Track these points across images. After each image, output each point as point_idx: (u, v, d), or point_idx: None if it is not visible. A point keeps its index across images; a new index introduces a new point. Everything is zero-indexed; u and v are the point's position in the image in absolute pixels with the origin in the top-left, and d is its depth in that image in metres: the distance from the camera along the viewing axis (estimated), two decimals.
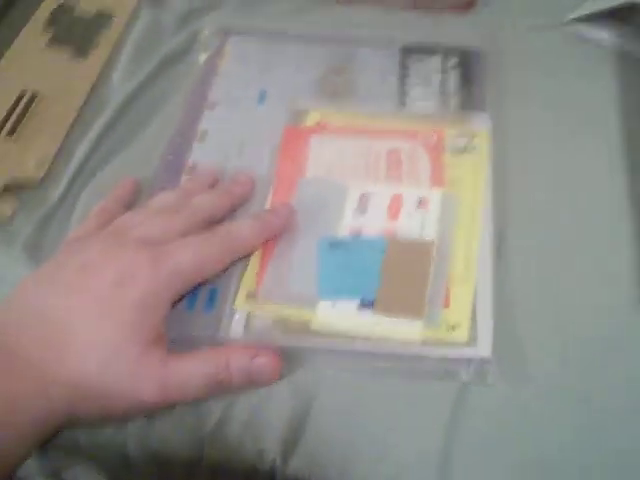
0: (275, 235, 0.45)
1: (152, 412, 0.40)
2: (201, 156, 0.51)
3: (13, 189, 0.50)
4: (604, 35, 0.60)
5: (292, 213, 0.46)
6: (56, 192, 0.50)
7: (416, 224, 0.46)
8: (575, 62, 0.58)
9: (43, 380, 0.36)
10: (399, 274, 0.43)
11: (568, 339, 0.42)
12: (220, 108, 0.54)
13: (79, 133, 0.53)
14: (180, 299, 0.41)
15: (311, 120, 0.53)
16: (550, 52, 0.59)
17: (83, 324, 0.37)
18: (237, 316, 0.43)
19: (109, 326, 0.37)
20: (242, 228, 0.44)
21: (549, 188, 0.50)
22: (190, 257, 0.40)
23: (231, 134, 0.52)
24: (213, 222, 0.45)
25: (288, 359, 0.41)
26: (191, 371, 0.39)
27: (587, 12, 0.60)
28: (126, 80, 0.57)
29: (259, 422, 0.40)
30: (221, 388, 0.39)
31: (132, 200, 0.48)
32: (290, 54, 0.58)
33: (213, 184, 0.49)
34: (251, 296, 0.43)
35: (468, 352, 0.41)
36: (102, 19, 0.60)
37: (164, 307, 0.39)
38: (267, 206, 0.48)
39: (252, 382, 0.40)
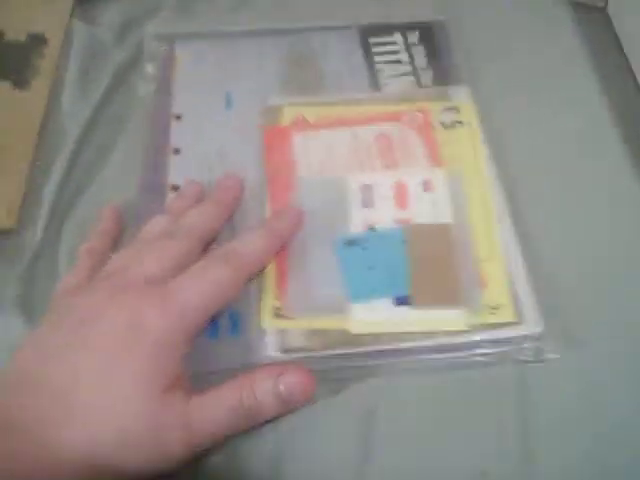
0: (286, 242, 0.42)
1: (179, 467, 0.34)
2: (180, 172, 0.48)
3: None
4: None
5: (300, 215, 0.43)
6: (34, 237, 0.45)
7: (428, 208, 0.44)
8: (533, 17, 0.58)
9: (48, 460, 0.31)
10: (427, 263, 0.41)
11: (608, 296, 0.42)
12: (187, 119, 0.50)
13: (42, 169, 0.49)
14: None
15: (287, 117, 0.50)
16: (506, 12, 0.58)
17: (90, 386, 0.33)
18: (268, 337, 0.39)
19: (121, 384, 0.33)
20: (250, 242, 0.40)
21: (544, 142, 0.49)
22: (199, 289, 0.36)
23: (206, 144, 0.49)
24: (212, 238, 0.42)
25: (333, 375, 0.39)
26: (215, 405, 0.35)
27: None
28: (78, 104, 0.52)
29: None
30: (252, 419, 0.36)
31: (118, 231, 0.44)
32: (246, 52, 0.55)
33: (201, 198, 0.45)
34: (277, 312, 0.40)
35: (518, 330, 0.39)
36: (35, 42, 0.55)
37: (181, 349, 0.35)
38: (267, 212, 0.44)
39: (284, 404, 0.36)
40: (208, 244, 0.42)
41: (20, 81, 0.53)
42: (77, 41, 0.57)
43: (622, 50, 0.54)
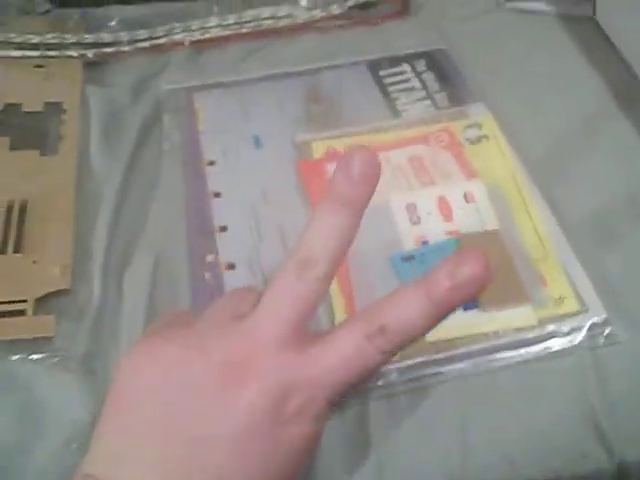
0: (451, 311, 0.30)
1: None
2: (224, 213, 0.49)
3: (47, 307, 0.44)
4: (542, 5, 0.62)
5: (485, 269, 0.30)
6: (92, 295, 0.45)
7: (474, 219, 0.46)
8: (526, 35, 0.62)
9: None
10: None
11: None
12: (220, 163, 0.52)
13: (86, 229, 0.49)
14: None
15: (317, 151, 0.52)
16: (501, 31, 0.62)
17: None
18: None
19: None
20: (406, 314, 0.29)
21: (561, 142, 0.52)
22: (340, 381, 0.30)
23: (245, 184, 0.50)
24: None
25: (415, 384, 0.40)
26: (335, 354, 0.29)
27: None
28: (107, 165, 0.53)
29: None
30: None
31: None
32: (265, 95, 0.57)
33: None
34: None
35: (586, 318, 0.41)
36: (53, 110, 0.56)
37: None
38: None
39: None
40: None
41: (47, 148, 0.53)
42: (94, 105, 0.57)
43: (616, 50, 0.58)
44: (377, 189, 0.44)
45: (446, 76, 0.57)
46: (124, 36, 0.64)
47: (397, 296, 0.30)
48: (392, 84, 0.57)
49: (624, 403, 0.38)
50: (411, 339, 0.30)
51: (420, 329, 0.29)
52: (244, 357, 0.29)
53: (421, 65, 0.58)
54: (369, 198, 0.31)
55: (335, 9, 0.66)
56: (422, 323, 0.29)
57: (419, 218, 0.46)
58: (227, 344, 0.30)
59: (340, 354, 0.29)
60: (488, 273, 0.29)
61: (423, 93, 0.55)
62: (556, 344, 0.40)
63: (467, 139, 0.51)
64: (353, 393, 0.37)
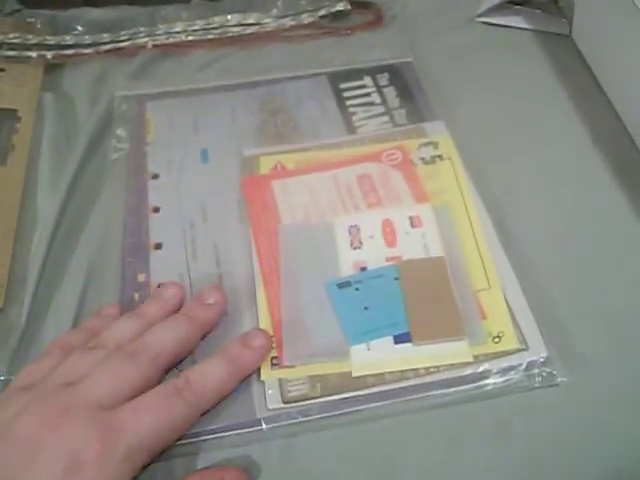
0: (250, 370, 0.39)
1: None
2: (161, 230, 0.46)
3: None
4: (518, 19, 0.60)
5: (266, 339, 0.39)
6: (21, 317, 0.43)
7: (418, 244, 0.43)
8: (499, 50, 0.59)
9: None
10: (423, 297, 0.40)
11: (610, 316, 0.41)
12: (164, 177, 0.49)
13: (24, 247, 0.47)
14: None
15: (265, 167, 0.49)
16: (473, 45, 0.60)
17: None
18: (270, 390, 0.38)
19: None
20: (210, 373, 0.37)
21: (524, 170, 0.50)
22: (150, 427, 0.33)
23: (186, 200, 0.48)
24: (179, 361, 0.39)
25: (339, 420, 0.38)
26: None
27: (488, 6, 0.59)
28: (55, 176, 0.51)
29: None
30: None
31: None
32: (218, 106, 0.55)
33: (179, 304, 0.41)
34: (276, 363, 0.39)
35: (525, 357, 0.38)
36: (7, 117, 0.54)
37: None
38: (255, 264, 0.43)
39: None
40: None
41: None
42: (48, 113, 0.56)
43: (590, 71, 0.55)
44: (321, 209, 0.43)
45: (408, 91, 0.55)
46: (87, 39, 0.63)
47: (204, 360, 0.37)
48: (351, 98, 0.55)
49: (551, 455, 0.36)
50: (214, 391, 0.36)
51: (220, 382, 0.36)
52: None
53: (384, 79, 0.56)
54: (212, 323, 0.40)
55: (306, 18, 0.64)
56: (221, 375, 0.36)
57: (361, 242, 0.44)
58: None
59: (149, 400, 0.33)
60: (269, 344, 0.39)
61: (382, 109, 0.53)
62: (490, 383, 0.38)
63: (421, 158, 0.48)
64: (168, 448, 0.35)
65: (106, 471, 0.31)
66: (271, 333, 0.40)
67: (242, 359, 0.37)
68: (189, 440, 0.36)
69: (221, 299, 0.40)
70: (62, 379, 0.34)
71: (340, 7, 0.63)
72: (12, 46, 0.62)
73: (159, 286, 0.43)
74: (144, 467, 0.33)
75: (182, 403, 0.34)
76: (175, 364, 0.38)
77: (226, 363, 0.36)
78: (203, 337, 0.40)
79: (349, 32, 0.63)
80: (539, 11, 0.61)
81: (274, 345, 0.40)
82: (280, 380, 0.38)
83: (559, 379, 0.38)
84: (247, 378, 0.38)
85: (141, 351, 0.35)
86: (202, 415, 0.36)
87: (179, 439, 0.36)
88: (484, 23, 0.61)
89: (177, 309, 0.40)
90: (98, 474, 0.30)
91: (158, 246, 0.46)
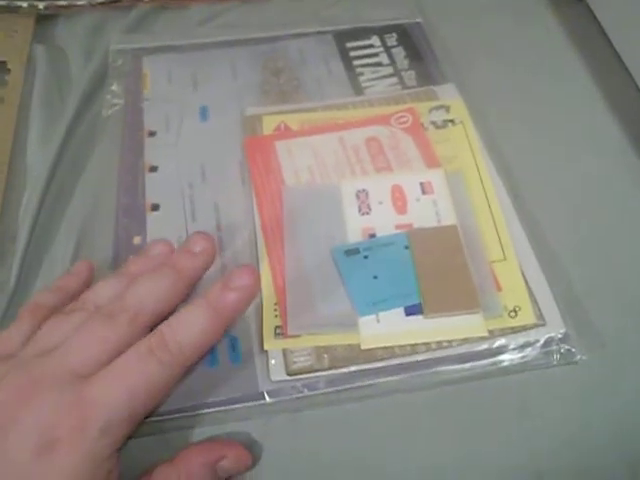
0: (234, 319, 0.34)
1: None
2: (159, 190, 0.44)
3: None
4: None
5: (254, 276, 0.35)
6: (10, 278, 0.41)
7: (430, 212, 0.41)
8: (511, 14, 0.57)
9: None
10: (435, 267, 0.38)
11: (630, 291, 0.40)
12: (161, 135, 0.47)
13: (14, 205, 0.45)
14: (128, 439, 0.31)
15: (268, 127, 0.47)
16: (484, 8, 0.57)
17: None
18: (273, 360, 0.36)
19: None
20: (189, 324, 0.32)
21: (540, 136, 0.47)
22: (126, 393, 0.30)
23: (185, 159, 0.45)
24: (163, 318, 0.34)
25: (346, 395, 0.36)
26: None
27: None
28: (46, 131, 0.48)
29: None
30: None
31: (81, 292, 0.36)
32: (219, 63, 0.52)
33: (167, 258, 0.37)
34: (280, 332, 0.37)
35: (542, 332, 0.36)
36: None
37: (104, 467, 0.29)
38: (257, 229, 0.41)
39: None
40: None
41: None
42: (40, 65, 0.53)
43: (606, 37, 0.52)
44: (327, 172, 0.40)
45: (417, 53, 0.52)
46: None
47: (181, 310, 0.32)
48: (358, 57, 0.52)
49: (566, 434, 0.34)
50: (194, 345, 0.32)
51: (200, 333, 0.32)
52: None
53: (392, 39, 0.53)
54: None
55: None
56: (201, 325, 0.32)
57: (369, 208, 0.41)
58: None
59: (121, 366, 0.30)
60: (256, 286, 0.34)
61: (390, 70, 0.51)
62: (506, 359, 0.36)
63: (432, 122, 0.46)
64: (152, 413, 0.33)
65: (82, 449, 0.28)
66: (274, 300, 0.38)
67: (224, 303, 0.33)
68: (186, 413, 0.34)
69: (209, 247, 0.36)
70: (37, 348, 0.32)
71: None
72: None
73: None
74: (128, 437, 0.31)
75: (157, 365, 0.30)
76: (161, 321, 0.33)
77: (206, 310, 0.32)
78: (192, 289, 0.36)
79: None
80: None
81: (277, 314, 0.37)
82: (284, 350, 0.36)
83: (578, 357, 0.36)
84: (249, 348, 0.36)
85: (119, 311, 0.32)
86: (197, 384, 0.35)
87: (175, 412, 0.34)
88: None
89: None
90: (73, 453, 0.28)
91: (155, 207, 0.43)
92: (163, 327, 0.32)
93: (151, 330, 0.32)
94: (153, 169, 0.45)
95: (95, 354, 0.31)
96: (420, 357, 0.36)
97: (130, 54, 0.53)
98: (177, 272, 0.35)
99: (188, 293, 0.36)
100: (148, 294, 0.33)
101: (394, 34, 0.54)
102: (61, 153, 0.47)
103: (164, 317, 0.33)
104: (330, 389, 0.36)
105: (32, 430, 0.28)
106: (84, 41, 0.55)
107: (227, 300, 0.33)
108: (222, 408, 0.35)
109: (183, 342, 0.31)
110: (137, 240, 0.42)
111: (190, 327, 0.32)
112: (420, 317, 0.37)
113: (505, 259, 0.39)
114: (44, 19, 0.57)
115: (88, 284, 0.38)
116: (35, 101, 0.51)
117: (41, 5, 0.58)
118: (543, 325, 0.37)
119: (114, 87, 0.51)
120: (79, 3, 0.59)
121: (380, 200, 0.42)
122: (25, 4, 0.58)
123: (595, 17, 0.54)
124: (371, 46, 0.53)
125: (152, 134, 0.47)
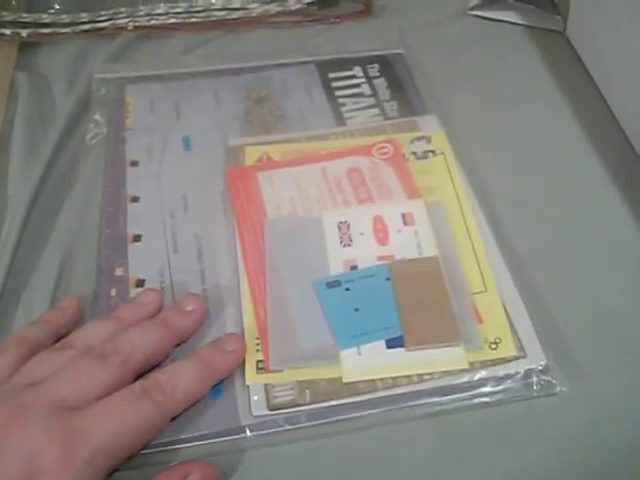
0: (224, 374, 0.36)
1: None
2: (140, 221, 0.44)
3: None
4: (510, 14, 0.58)
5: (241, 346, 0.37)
6: None
7: (411, 243, 0.41)
8: (491, 44, 0.58)
9: None
10: (417, 299, 0.38)
11: (610, 323, 0.40)
12: (143, 165, 0.47)
13: None
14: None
15: (250, 157, 0.47)
16: (465, 39, 0.58)
17: None
18: (255, 396, 0.36)
19: None
20: (181, 375, 0.34)
21: (521, 168, 0.48)
22: (115, 429, 0.31)
23: (166, 190, 0.45)
24: (150, 367, 0.36)
25: (328, 429, 0.35)
26: None
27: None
28: (28, 161, 0.49)
29: None
30: None
31: (66, 325, 0.38)
32: (201, 93, 0.52)
33: (157, 310, 0.39)
34: (262, 367, 0.37)
35: (523, 364, 0.37)
36: None
37: None
38: (239, 260, 0.41)
39: None
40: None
41: None
42: (22, 93, 0.53)
43: (585, 69, 0.54)
44: (309, 203, 0.41)
45: (399, 84, 0.52)
46: (64, 18, 0.60)
47: (173, 363, 0.35)
48: (340, 88, 0.52)
49: (547, 468, 0.34)
50: (185, 393, 0.33)
51: (191, 384, 0.34)
52: None
53: (374, 70, 0.54)
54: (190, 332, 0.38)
55: (293, 4, 0.62)
56: (192, 377, 0.34)
57: (351, 240, 0.41)
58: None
59: (115, 402, 0.31)
60: (243, 350, 0.37)
61: (372, 100, 0.51)
62: (487, 392, 0.36)
63: (413, 153, 0.46)
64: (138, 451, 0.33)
65: (66, 478, 0.28)
66: (256, 334, 0.38)
67: (214, 362, 0.35)
68: (167, 447, 0.34)
69: (201, 307, 0.38)
70: (25, 379, 0.32)
71: None
72: None
73: (138, 284, 0.41)
74: (110, 474, 0.31)
75: (150, 405, 0.32)
76: (147, 370, 0.35)
77: (197, 365, 0.34)
78: (178, 345, 0.37)
79: (337, 20, 0.60)
80: (533, 7, 0.59)
81: (259, 348, 0.37)
82: (266, 385, 0.36)
83: (558, 388, 0.36)
84: (231, 382, 0.36)
85: (111, 353, 0.33)
86: (178, 420, 0.34)
87: (156, 446, 0.33)
88: (476, 16, 0.59)
89: (155, 315, 0.38)
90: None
91: (137, 238, 0.43)
92: (157, 373, 0.33)
93: (136, 379, 0.33)
94: (135, 199, 0.45)
95: (85, 389, 0.32)
96: (401, 390, 0.36)
97: (113, 83, 0.53)
98: (168, 327, 0.36)
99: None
100: (140, 341, 0.35)
101: (376, 65, 0.54)
102: (43, 182, 0.47)
103: (151, 368, 0.35)
104: (311, 423, 0.35)
105: (18, 457, 0.29)
106: (67, 69, 0.55)
107: (219, 361, 0.36)
108: (203, 442, 0.35)
109: (176, 387, 0.33)
110: (119, 271, 0.42)
111: (183, 377, 0.34)
112: (401, 349, 0.37)
113: (486, 291, 0.39)
114: (27, 47, 0.57)
115: (75, 320, 0.39)
116: (17, 129, 0.51)
117: (24, 33, 0.58)
118: (524, 357, 0.37)
119: (97, 116, 0.51)
120: (62, 31, 0.59)
121: (362, 231, 0.42)
122: (8, 32, 0.58)
123: (574, 49, 0.54)
124: (353, 77, 0.53)
125: (134, 164, 0.47)
